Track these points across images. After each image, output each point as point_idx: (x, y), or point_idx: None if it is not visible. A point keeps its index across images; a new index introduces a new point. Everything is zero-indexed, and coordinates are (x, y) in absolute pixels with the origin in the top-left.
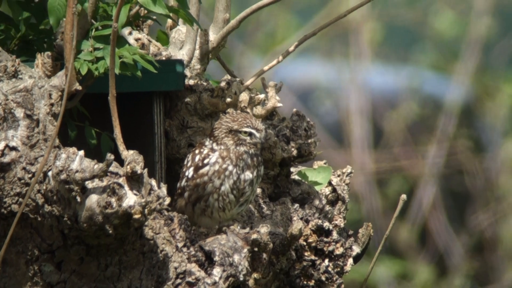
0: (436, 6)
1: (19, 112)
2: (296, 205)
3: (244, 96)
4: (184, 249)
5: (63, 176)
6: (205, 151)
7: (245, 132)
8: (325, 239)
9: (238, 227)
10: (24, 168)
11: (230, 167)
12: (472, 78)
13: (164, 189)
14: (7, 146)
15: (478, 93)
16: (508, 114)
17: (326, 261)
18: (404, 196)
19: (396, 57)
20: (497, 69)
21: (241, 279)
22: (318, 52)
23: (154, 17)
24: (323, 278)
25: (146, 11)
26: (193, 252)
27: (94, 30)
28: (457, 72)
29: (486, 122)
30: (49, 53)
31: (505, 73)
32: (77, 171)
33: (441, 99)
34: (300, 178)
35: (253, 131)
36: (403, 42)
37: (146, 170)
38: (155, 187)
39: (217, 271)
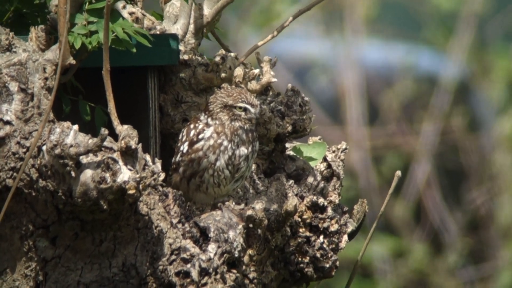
0: None
1: (13, 86)
2: (291, 181)
3: (239, 71)
4: (179, 225)
5: (57, 151)
6: (200, 126)
7: (240, 107)
8: (320, 216)
9: (233, 203)
10: (18, 143)
11: (225, 142)
12: (467, 55)
13: (158, 165)
14: (1, 120)
15: (473, 69)
16: (503, 91)
17: (321, 237)
18: (399, 173)
19: (392, 33)
20: (493, 45)
21: (236, 255)
22: (313, 28)
23: None
24: (318, 255)
25: None
26: (188, 228)
27: (87, 3)
28: (452, 48)
29: (481, 99)
30: (42, 26)
31: (500, 49)
32: (71, 146)
33: (437, 76)
34: (295, 154)
35: (248, 106)
36: (398, 18)
37: (140, 145)
38: (150, 163)
39: (212, 247)
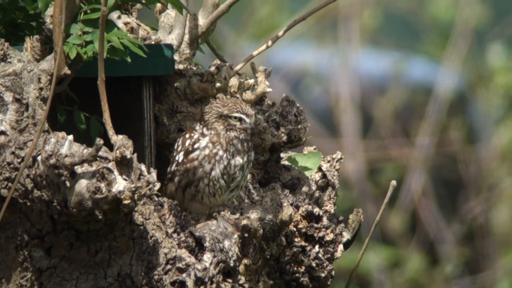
0: None
1: (8, 96)
2: (286, 190)
3: (234, 81)
4: (174, 235)
5: (52, 161)
6: (195, 136)
7: (235, 117)
8: (315, 225)
9: (228, 213)
10: (13, 153)
11: (221, 152)
12: (464, 65)
13: (154, 174)
14: None
15: (470, 80)
16: (501, 101)
17: (317, 247)
18: (394, 182)
19: (388, 43)
20: (490, 55)
21: (232, 264)
22: (309, 39)
23: (143, 1)
24: (314, 264)
25: None
26: (183, 238)
27: (82, 13)
28: (449, 58)
29: (478, 109)
30: (37, 36)
31: (497, 59)
32: (66, 156)
33: (433, 86)
34: (290, 164)
35: (243, 116)
36: (395, 29)
37: (135, 155)
38: (145, 172)
39: (207, 256)
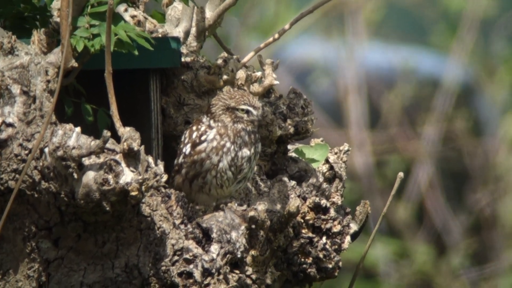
0: None
1: (16, 89)
2: (293, 182)
3: (241, 74)
4: (182, 226)
5: (59, 153)
6: (203, 128)
7: (242, 110)
8: (323, 217)
9: (236, 204)
10: (20, 145)
11: (228, 144)
12: (470, 57)
13: (161, 166)
14: (3, 122)
15: (477, 72)
16: (507, 93)
17: (324, 238)
18: (401, 174)
19: (394, 36)
20: (496, 47)
21: (239, 256)
22: (316, 32)
23: None
24: (321, 256)
25: None
26: (190, 229)
27: (89, 6)
28: (455, 50)
29: (485, 101)
30: (44, 29)
31: (504, 51)
32: (73, 148)
33: (439, 78)
34: (297, 156)
35: (250, 108)
36: (401, 21)
37: (143, 147)
38: (152, 164)
39: (214, 248)
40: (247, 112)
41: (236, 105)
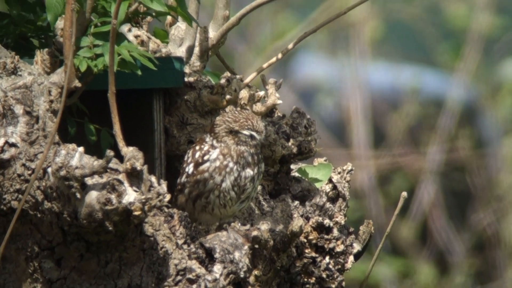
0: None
1: (19, 109)
2: (297, 202)
3: (244, 93)
4: (185, 246)
5: (62, 173)
6: (206, 148)
7: (246, 135)
8: (326, 236)
9: (239, 224)
10: (23, 165)
11: (231, 164)
12: (475, 76)
13: (164, 186)
14: (6, 142)
15: (480, 90)
16: (510, 112)
17: (327, 258)
18: (404, 194)
19: (398, 55)
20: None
21: (242, 276)
22: (319, 50)
23: (154, 13)
24: (324, 275)
25: (145, 8)
26: (193, 249)
27: (93, 26)
28: (459, 69)
29: (487, 120)
30: (48, 49)
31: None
32: (76, 168)
33: (443, 97)
34: (300, 175)
35: (254, 133)
36: (405, 40)
37: (146, 166)
38: (155, 184)
39: (217, 268)
40: (251, 136)
41: (240, 129)
